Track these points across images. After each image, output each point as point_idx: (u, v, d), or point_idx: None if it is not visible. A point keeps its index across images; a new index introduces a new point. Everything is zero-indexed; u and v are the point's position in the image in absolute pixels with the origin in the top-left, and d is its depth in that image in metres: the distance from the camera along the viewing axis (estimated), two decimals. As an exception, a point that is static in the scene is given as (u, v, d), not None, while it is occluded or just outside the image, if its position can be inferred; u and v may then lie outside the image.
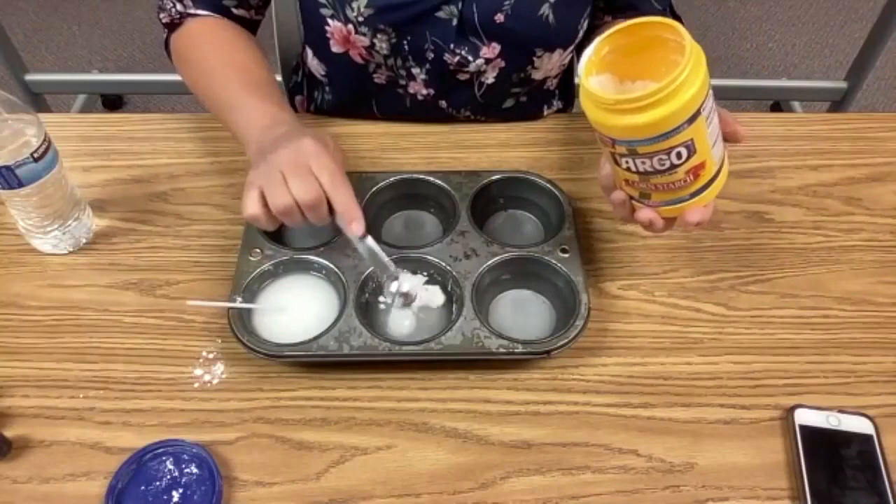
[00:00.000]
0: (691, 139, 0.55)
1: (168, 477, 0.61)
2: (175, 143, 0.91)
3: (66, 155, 0.76)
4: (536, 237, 0.79)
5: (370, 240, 0.68)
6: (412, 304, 0.70)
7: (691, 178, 0.58)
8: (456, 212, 0.77)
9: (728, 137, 0.61)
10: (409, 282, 0.70)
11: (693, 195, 0.60)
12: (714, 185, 0.60)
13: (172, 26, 0.86)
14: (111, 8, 2.49)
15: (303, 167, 0.65)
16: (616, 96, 0.54)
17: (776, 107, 2.15)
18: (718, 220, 0.63)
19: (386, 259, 0.69)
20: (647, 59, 0.57)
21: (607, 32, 0.58)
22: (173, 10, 0.84)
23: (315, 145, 0.66)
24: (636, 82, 0.58)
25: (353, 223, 0.66)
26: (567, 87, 1.04)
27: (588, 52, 0.58)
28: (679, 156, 0.56)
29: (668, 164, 0.57)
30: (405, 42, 0.84)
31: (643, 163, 0.58)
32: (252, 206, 0.65)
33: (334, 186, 0.65)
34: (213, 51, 0.83)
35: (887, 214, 0.84)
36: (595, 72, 0.58)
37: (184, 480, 0.61)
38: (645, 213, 0.62)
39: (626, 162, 0.58)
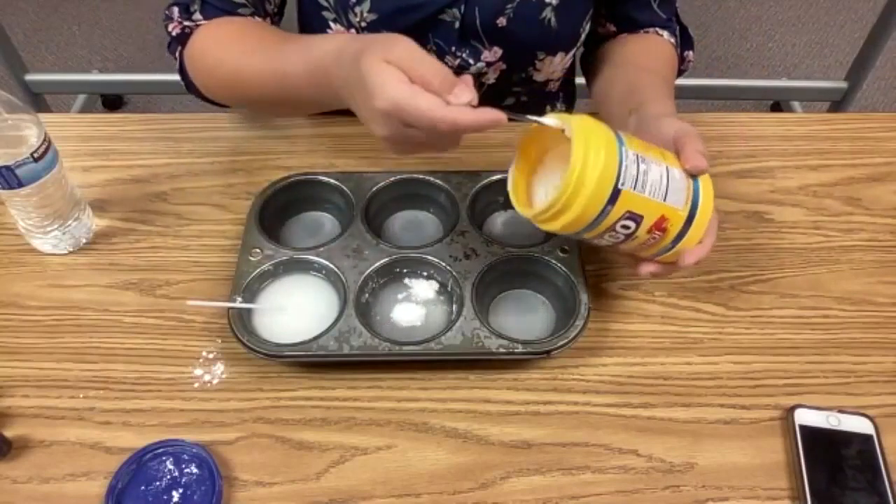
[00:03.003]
0: (627, 211, 0.56)
1: (168, 477, 0.61)
2: (175, 143, 0.91)
3: (66, 155, 0.76)
4: (536, 237, 0.79)
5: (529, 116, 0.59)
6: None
7: (658, 233, 0.59)
8: (456, 212, 0.77)
9: (690, 173, 0.61)
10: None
11: (675, 241, 0.60)
12: (695, 224, 0.60)
13: (183, 38, 0.80)
14: (111, 8, 2.49)
15: (409, 130, 0.57)
16: (528, 211, 0.58)
17: (776, 107, 2.15)
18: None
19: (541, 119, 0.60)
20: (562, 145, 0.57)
21: (516, 152, 0.61)
22: (184, 23, 0.79)
23: (397, 96, 0.55)
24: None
25: (496, 120, 0.56)
26: (570, 90, 1.04)
27: (511, 169, 0.62)
28: (626, 227, 0.57)
29: (621, 236, 0.58)
30: None
31: (599, 241, 0.60)
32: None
33: (449, 124, 0.55)
34: (248, 33, 0.77)
35: (887, 214, 0.84)
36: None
37: (184, 480, 0.61)
38: (645, 269, 0.64)
39: (587, 240, 0.61)
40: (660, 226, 0.58)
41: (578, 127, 0.55)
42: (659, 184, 0.57)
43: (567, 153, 0.55)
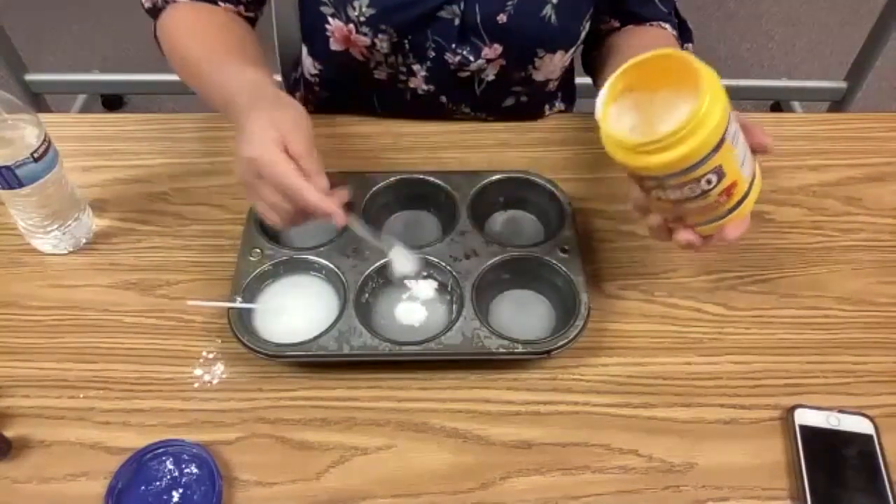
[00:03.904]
0: (719, 165, 0.56)
1: (168, 477, 0.61)
2: (175, 143, 0.91)
3: (66, 155, 0.76)
4: (536, 237, 0.79)
5: (356, 225, 0.67)
6: (411, 278, 0.70)
7: (724, 198, 0.59)
8: (456, 212, 0.77)
9: (755, 149, 0.61)
10: (403, 257, 0.70)
11: (729, 212, 0.60)
12: (749, 198, 0.60)
13: (155, 11, 0.85)
14: (111, 8, 2.49)
15: (260, 184, 0.63)
16: (638, 140, 0.55)
17: (776, 107, 2.15)
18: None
19: (374, 241, 0.68)
20: (669, 83, 0.57)
21: (620, 69, 0.58)
22: None
23: (264, 151, 0.62)
24: (659, 92, 0.58)
25: (333, 219, 0.63)
26: (569, 89, 1.04)
27: (603, 92, 0.59)
28: (709, 182, 0.57)
29: (699, 191, 0.57)
30: (406, 41, 0.84)
31: (673, 192, 0.58)
32: (272, 220, 0.65)
33: (294, 195, 0.61)
34: (197, 32, 0.81)
35: (887, 214, 0.84)
36: (613, 104, 0.59)
37: (184, 480, 0.61)
38: (683, 235, 0.63)
39: (656, 192, 0.59)
40: (729, 190, 0.58)
41: (704, 68, 0.54)
42: (743, 149, 0.58)
43: (659, 100, 0.56)
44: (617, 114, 0.59)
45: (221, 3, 0.84)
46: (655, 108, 0.58)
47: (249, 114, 0.64)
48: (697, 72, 0.54)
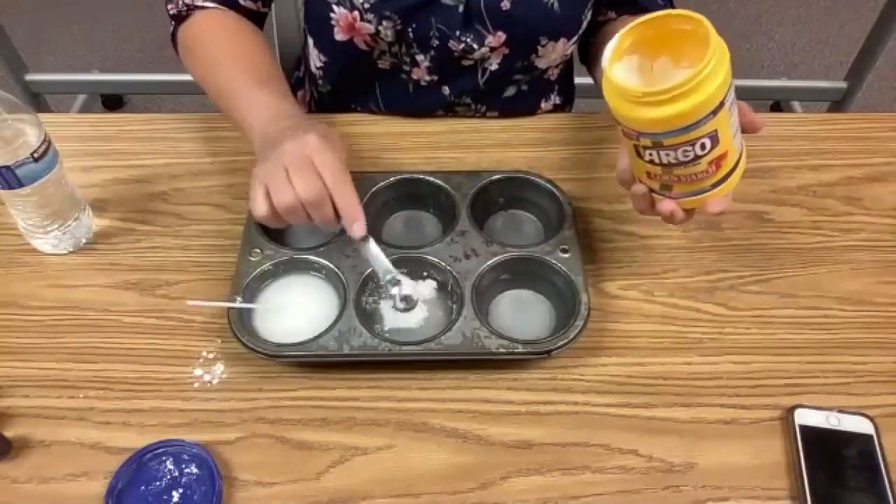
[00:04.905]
0: (715, 130, 0.56)
1: (168, 477, 0.61)
2: (175, 143, 0.91)
3: (66, 155, 0.76)
4: (536, 237, 0.79)
5: (371, 242, 0.68)
6: (413, 309, 0.71)
7: (713, 168, 0.59)
8: (456, 212, 0.77)
9: (746, 128, 0.61)
10: (410, 286, 0.70)
11: (714, 185, 0.60)
12: (734, 174, 0.61)
13: (180, 18, 0.86)
14: (111, 8, 2.49)
15: (306, 163, 0.64)
16: (643, 88, 0.55)
17: (776, 107, 2.15)
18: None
19: (387, 263, 0.69)
20: (671, 51, 0.58)
21: (630, 25, 0.58)
22: (181, 1, 0.85)
23: (319, 141, 0.65)
24: (658, 59, 0.59)
25: (354, 224, 0.66)
26: (567, 83, 1.04)
27: (611, 44, 0.59)
28: (703, 147, 0.57)
29: (692, 155, 0.58)
30: (410, 29, 0.84)
31: (667, 154, 0.58)
32: (261, 206, 0.64)
33: (336, 185, 0.64)
34: (220, 43, 0.83)
35: (887, 214, 0.84)
36: (618, 62, 0.59)
37: (184, 480, 0.61)
38: (666, 205, 0.63)
39: (650, 154, 0.59)
40: (719, 161, 0.58)
41: (715, 34, 0.55)
42: (736, 122, 0.59)
43: (658, 67, 0.57)
44: (621, 71, 0.59)
45: (242, 2, 0.86)
46: (654, 75, 0.58)
47: (290, 126, 0.68)
48: (707, 32, 0.54)
